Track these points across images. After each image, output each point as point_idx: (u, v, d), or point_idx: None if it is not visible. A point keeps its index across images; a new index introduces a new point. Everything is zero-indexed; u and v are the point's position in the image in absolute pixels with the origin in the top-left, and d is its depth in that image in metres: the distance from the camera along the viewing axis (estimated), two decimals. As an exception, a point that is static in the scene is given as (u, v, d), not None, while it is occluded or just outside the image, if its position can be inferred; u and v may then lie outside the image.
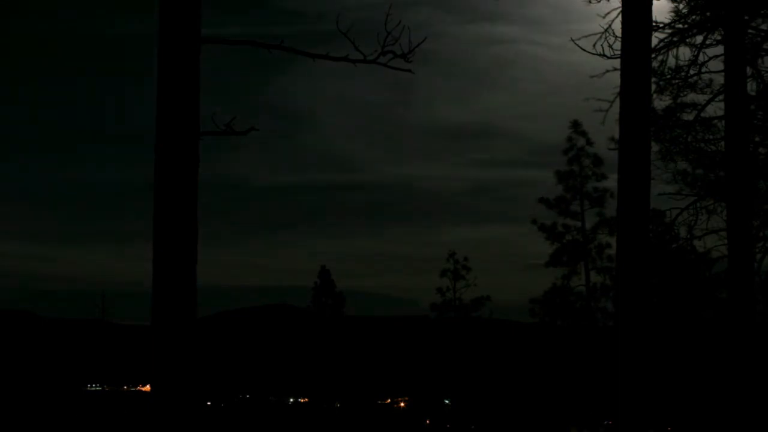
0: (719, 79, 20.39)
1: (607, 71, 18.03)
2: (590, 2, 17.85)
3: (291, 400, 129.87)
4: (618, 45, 14.17)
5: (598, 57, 17.31)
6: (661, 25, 20.08)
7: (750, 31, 20.15)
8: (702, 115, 21.13)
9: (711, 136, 21.68)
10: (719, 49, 20.22)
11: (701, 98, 21.06)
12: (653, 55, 18.88)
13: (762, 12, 20.26)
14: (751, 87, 20.18)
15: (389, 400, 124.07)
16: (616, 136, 13.94)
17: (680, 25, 20.36)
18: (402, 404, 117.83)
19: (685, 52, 20.39)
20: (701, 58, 20.42)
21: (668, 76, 20.74)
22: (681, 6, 20.53)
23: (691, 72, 20.60)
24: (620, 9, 13.97)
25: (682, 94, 21.18)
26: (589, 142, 48.86)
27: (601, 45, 17.35)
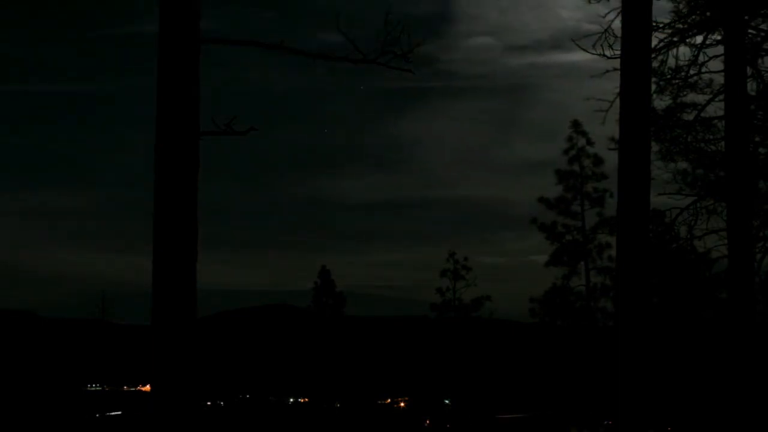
0: (719, 79, 20.39)
1: (607, 71, 18.03)
2: (590, 2, 17.86)
3: (291, 400, 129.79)
4: (618, 45, 14.19)
5: (604, 59, 17.32)
6: (661, 25, 20.07)
7: (750, 31, 20.14)
8: (702, 115, 21.12)
9: (711, 136, 21.68)
10: (719, 49, 20.22)
11: (701, 98, 21.07)
12: (653, 55, 18.87)
13: (762, 12, 20.25)
14: (751, 87, 20.18)
15: (389, 400, 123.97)
16: (616, 136, 13.94)
17: (680, 25, 20.35)
18: (402, 404, 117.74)
19: (685, 52, 20.41)
20: (701, 58, 20.43)
21: (668, 76, 20.74)
22: (681, 6, 20.53)
23: (691, 72, 20.60)
24: (620, 9, 13.97)
25: (682, 94, 21.19)
26: (590, 142, 48.83)
27: (601, 45, 17.37)
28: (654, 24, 18.29)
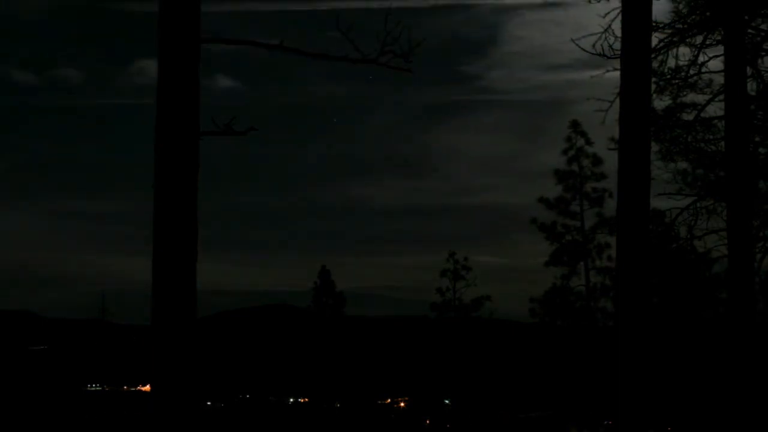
0: (719, 79, 20.39)
1: (607, 71, 18.02)
2: (590, 2, 17.86)
3: (291, 400, 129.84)
4: (618, 45, 14.18)
5: (602, 59, 17.31)
6: (661, 25, 20.07)
7: (750, 31, 20.14)
8: (702, 115, 21.12)
9: (711, 136, 21.68)
10: (719, 49, 20.21)
11: (701, 98, 21.07)
12: (653, 55, 18.86)
13: (762, 12, 20.25)
14: (751, 87, 20.17)
15: (389, 400, 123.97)
16: (616, 136, 13.93)
17: (680, 25, 20.35)
18: (402, 404, 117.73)
19: (685, 52, 20.40)
20: (701, 58, 20.43)
21: (668, 76, 20.74)
22: (681, 6, 20.54)
23: (691, 72, 20.59)
24: (620, 9, 13.96)
25: (682, 94, 21.19)
26: (589, 142, 48.83)
27: (601, 45, 17.35)
28: (654, 24, 18.28)
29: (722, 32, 19.90)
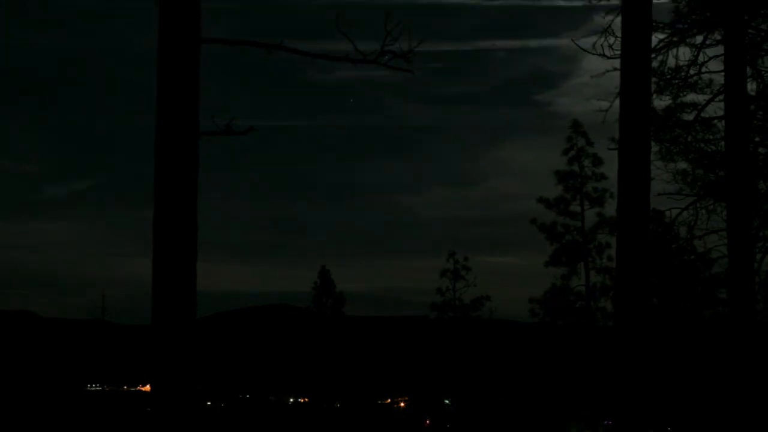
0: (719, 79, 20.41)
1: (607, 71, 18.04)
2: (590, 2, 17.88)
3: (291, 400, 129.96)
4: (618, 45, 14.16)
5: (603, 59, 17.33)
6: (661, 25, 20.09)
7: (750, 31, 20.16)
8: (702, 115, 21.14)
9: (711, 136, 21.70)
10: (719, 49, 20.23)
11: (701, 98, 21.09)
12: (653, 55, 18.88)
13: (762, 12, 20.27)
14: (751, 87, 20.20)
15: (389, 400, 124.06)
16: (616, 136, 13.93)
17: (680, 25, 20.38)
18: (402, 404, 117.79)
19: (685, 52, 20.42)
20: (701, 58, 20.45)
21: (668, 76, 20.75)
22: (681, 6, 20.55)
23: (691, 72, 20.61)
24: (620, 9, 13.97)
25: (682, 94, 21.21)
26: (589, 142, 48.81)
27: (601, 45, 17.37)
28: (654, 24, 18.30)
29: (722, 32, 19.92)
